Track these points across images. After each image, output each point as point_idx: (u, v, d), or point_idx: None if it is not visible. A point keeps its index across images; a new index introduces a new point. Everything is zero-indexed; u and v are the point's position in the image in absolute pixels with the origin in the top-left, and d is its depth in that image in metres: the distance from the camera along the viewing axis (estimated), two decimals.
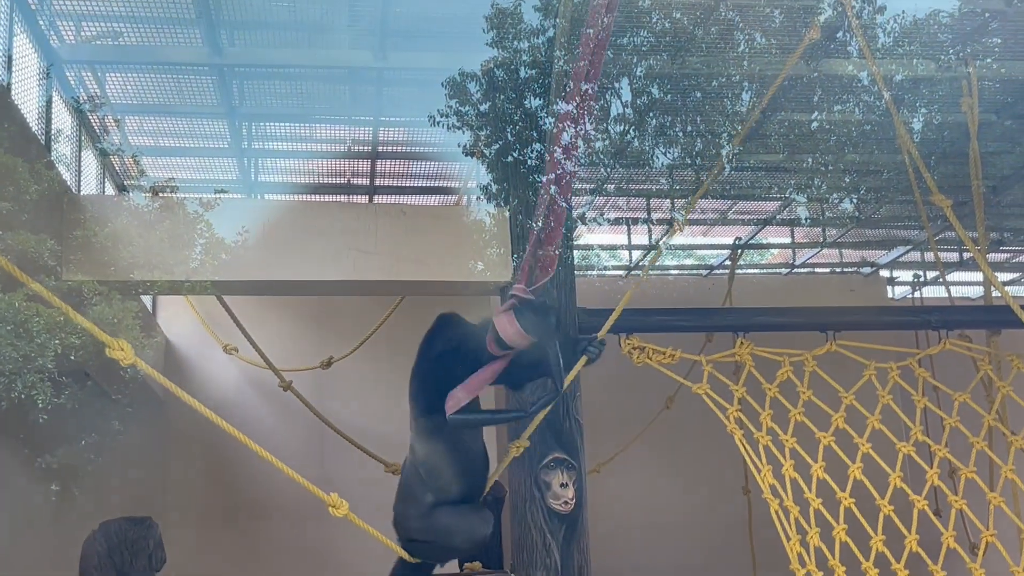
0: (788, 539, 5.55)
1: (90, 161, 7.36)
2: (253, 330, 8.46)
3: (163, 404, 9.21)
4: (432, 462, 5.02)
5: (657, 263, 11.43)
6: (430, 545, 5.10)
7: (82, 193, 6.79)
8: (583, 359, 5.44)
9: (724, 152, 7.08)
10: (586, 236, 10.67)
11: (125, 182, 7.95)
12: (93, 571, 5.46)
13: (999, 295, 6.14)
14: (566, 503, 5.78)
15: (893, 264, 11.18)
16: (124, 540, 5.50)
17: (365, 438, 8.67)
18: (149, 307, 9.15)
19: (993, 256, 10.59)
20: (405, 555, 5.08)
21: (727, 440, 5.94)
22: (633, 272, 10.87)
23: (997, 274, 9.91)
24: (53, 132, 6.45)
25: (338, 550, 8.97)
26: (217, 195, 8.32)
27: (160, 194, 7.43)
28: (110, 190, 7.78)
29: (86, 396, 8.56)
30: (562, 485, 5.77)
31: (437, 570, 5.51)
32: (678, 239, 10.47)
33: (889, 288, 11.68)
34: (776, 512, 5.64)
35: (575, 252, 7.41)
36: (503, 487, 6.68)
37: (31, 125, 5.92)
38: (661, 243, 8.03)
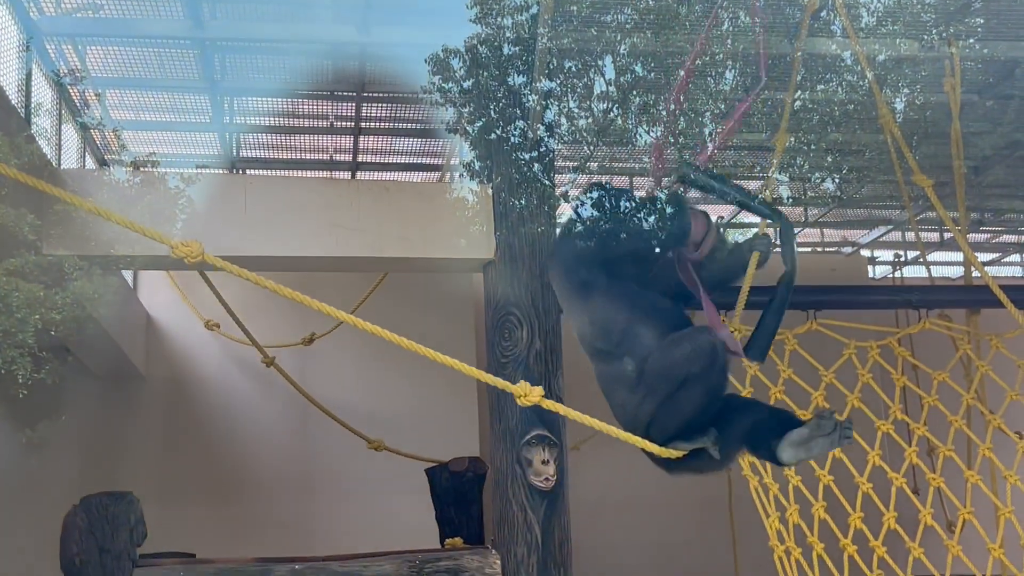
0: (767, 516, 5.59)
1: (71, 135, 7.31)
2: (235, 306, 8.44)
3: (144, 379, 9.18)
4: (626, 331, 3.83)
5: None
6: (665, 394, 3.71)
7: (63, 167, 6.75)
8: (755, 257, 4.47)
9: (708, 132, 7.08)
10: (569, 214, 10.67)
11: (106, 156, 7.90)
12: (74, 546, 5.45)
13: (979, 275, 6.18)
14: (547, 480, 5.80)
15: (874, 244, 11.22)
16: (105, 515, 5.49)
17: (347, 414, 8.68)
18: (130, 282, 9.11)
19: (973, 236, 10.65)
20: (655, 448, 3.77)
21: None
22: None
23: (977, 254, 9.96)
24: (33, 105, 6.40)
25: (321, 523, 8.99)
26: (198, 170, 8.30)
27: (141, 168, 7.40)
28: (91, 164, 7.73)
29: (66, 371, 8.54)
30: (543, 462, 5.80)
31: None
32: None
33: (870, 268, 11.73)
34: (755, 489, 5.68)
35: (558, 231, 7.41)
36: (484, 463, 6.70)
37: (11, 98, 5.87)
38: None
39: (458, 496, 6.69)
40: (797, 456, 3.75)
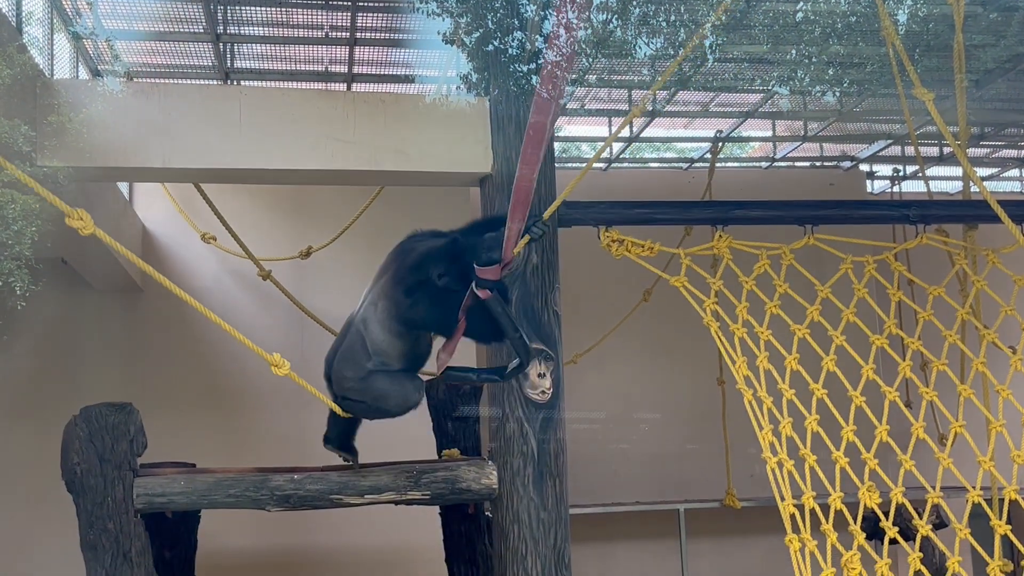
0: (761, 429, 5.64)
1: (63, 45, 7.22)
2: (231, 219, 8.42)
3: (141, 291, 9.20)
4: (386, 347, 5.19)
5: (636, 156, 11.40)
6: (364, 404, 5.31)
7: (55, 78, 6.68)
8: (525, 238, 5.26)
9: (708, 43, 7.00)
10: (567, 128, 10.61)
11: (99, 67, 7.81)
12: (74, 455, 5.52)
13: (977, 190, 6.16)
14: (543, 393, 5.85)
15: (873, 158, 11.18)
16: (105, 425, 5.54)
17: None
18: (125, 194, 9.08)
19: (973, 151, 10.61)
20: (337, 409, 5.39)
21: (703, 332, 6.00)
22: (613, 165, 10.84)
23: (976, 169, 9.93)
24: (24, 14, 6.30)
25: (319, 435, 9.05)
26: (192, 81, 8.21)
27: (135, 79, 7.32)
28: (84, 75, 7.65)
29: (64, 283, 8.57)
30: (540, 375, 5.84)
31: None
32: (659, 132, 10.42)
33: (868, 182, 11.70)
34: (750, 403, 5.73)
35: (555, 144, 7.36)
36: None
37: (1, 7, 5.78)
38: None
39: (455, 408, 6.75)
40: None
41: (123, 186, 8.96)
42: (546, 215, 5.52)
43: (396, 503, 5.93)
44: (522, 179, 4.71)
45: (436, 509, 6.84)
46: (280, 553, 9.09)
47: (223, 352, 9.25)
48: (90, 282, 8.84)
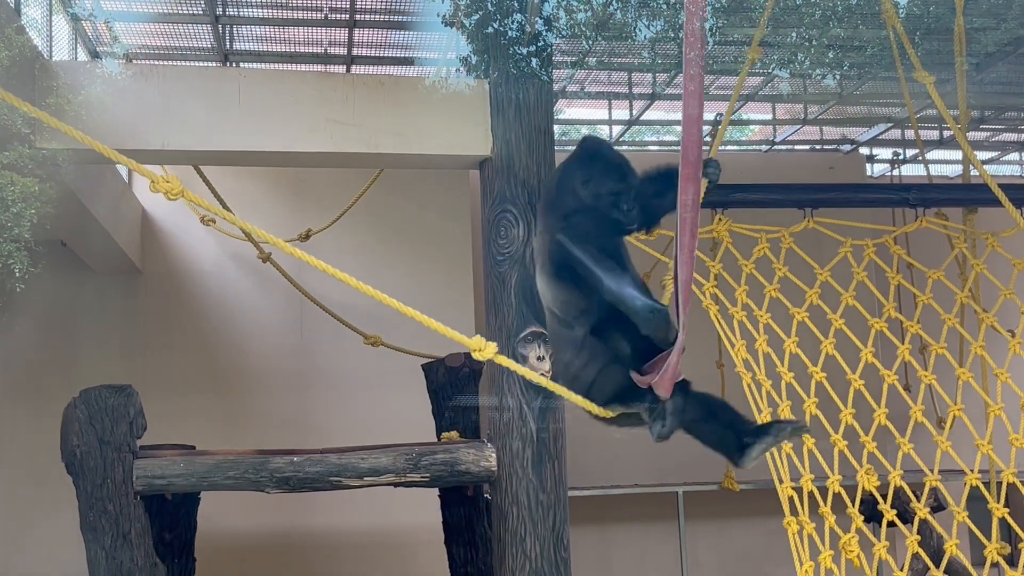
0: (759, 412, 5.65)
1: (62, 26, 7.19)
2: (231, 201, 8.41)
3: (140, 273, 9.20)
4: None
5: (636, 139, 11.38)
6: (606, 366, 4.04)
7: (54, 59, 6.66)
8: (705, 183, 4.45)
9: (708, 26, 6.98)
10: (567, 111, 10.59)
11: (98, 48, 7.79)
12: (74, 438, 5.52)
13: (977, 173, 6.15)
14: (543, 375, 5.85)
15: (873, 142, 11.16)
16: (105, 407, 5.55)
17: (344, 309, 8.71)
18: (125, 176, 9.06)
19: (973, 134, 10.59)
20: (594, 408, 4.11)
21: (702, 315, 6.00)
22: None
23: (977, 152, 9.91)
24: None
25: (318, 418, 9.10)
26: (191, 63, 8.19)
27: (134, 61, 7.30)
28: (83, 56, 7.63)
29: (63, 266, 8.57)
30: (539, 358, 5.84)
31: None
32: (658, 115, 10.40)
33: (868, 166, 11.68)
34: (748, 385, 5.74)
35: (556, 127, 7.35)
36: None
37: None
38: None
39: (454, 391, 6.76)
40: (758, 460, 4.18)
41: (122, 168, 8.95)
42: (712, 152, 5.18)
43: (395, 485, 5.94)
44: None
45: (435, 491, 6.86)
46: (279, 535, 9.12)
47: (223, 334, 9.26)
48: (89, 264, 8.84)
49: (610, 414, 4.10)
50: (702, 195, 4.05)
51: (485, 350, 3.99)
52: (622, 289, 3.80)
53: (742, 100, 9.60)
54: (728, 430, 4.27)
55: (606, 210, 4.02)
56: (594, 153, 4.20)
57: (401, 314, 4.03)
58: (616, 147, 10.61)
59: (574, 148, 4.26)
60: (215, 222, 8.92)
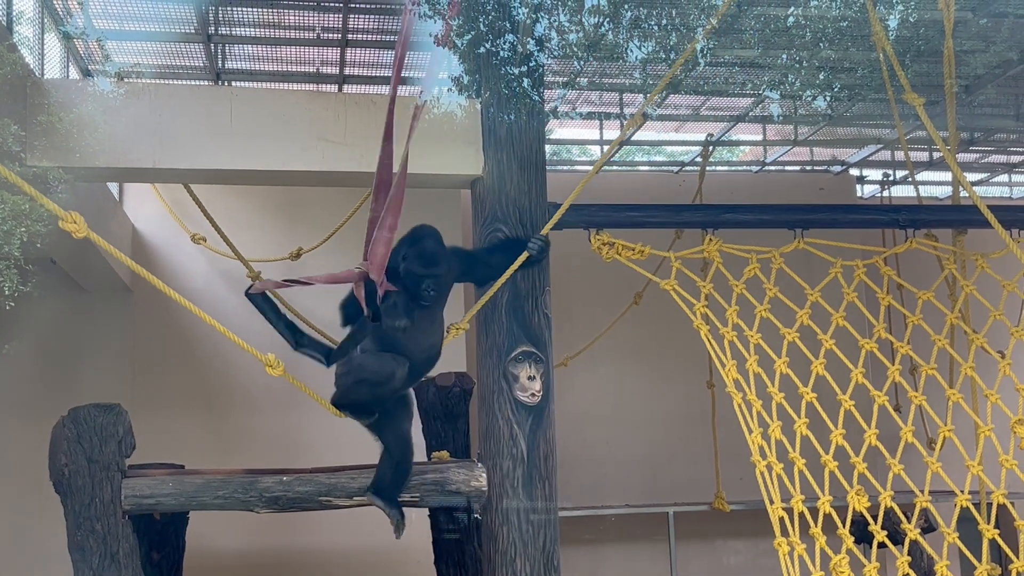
0: (750, 432, 5.65)
1: (54, 44, 7.20)
2: (221, 220, 8.40)
3: (130, 292, 9.18)
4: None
5: (627, 159, 11.41)
6: (347, 388, 5.33)
7: (46, 77, 6.66)
8: (523, 255, 5.58)
9: (699, 47, 7.00)
10: (558, 131, 10.62)
11: (89, 67, 7.80)
12: (62, 456, 5.49)
13: (967, 195, 6.17)
14: (533, 395, 5.85)
15: (863, 163, 11.21)
16: (93, 426, 5.52)
17: (333, 329, 8.67)
18: (115, 194, 9.06)
19: (963, 156, 10.64)
20: (333, 410, 5.44)
21: (693, 335, 6.00)
22: (604, 168, 10.83)
23: (966, 174, 9.96)
24: (15, 14, 6.28)
25: (308, 437, 9.07)
26: (183, 82, 8.20)
27: (125, 79, 7.30)
28: (74, 75, 7.63)
29: (53, 284, 8.54)
30: (530, 378, 5.84)
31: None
32: (649, 135, 10.43)
33: (858, 187, 11.73)
34: (739, 406, 5.73)
35: (547, 147, 7.36)
36: (471, 379, 6.75)
37: None
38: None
39: (445, 411, 6.74)
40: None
41: (113, 187, 8.94)
42: (544, 230, 5.64)
43: None
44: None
45: (425, 511, 6.83)
46: (269, 555, 9.08)
47: (212, 353, 9.24)
48: (80, 283, 8.82)
49: (340, 414, 5.51)
50: (517, 265, 5.57)
51: (276, 368, 5.30)
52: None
53: (732, 121, 9.64)
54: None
55: (413, 285, 5.14)
56: (415, 240, 5.33)
57: None
58: (607, 167, 10.65)
59: (411, 229, 5.44)
60: (205, 240, 8.90)
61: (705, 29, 6.11)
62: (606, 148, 10.20)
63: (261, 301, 5.34)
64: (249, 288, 5.26)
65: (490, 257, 5.73)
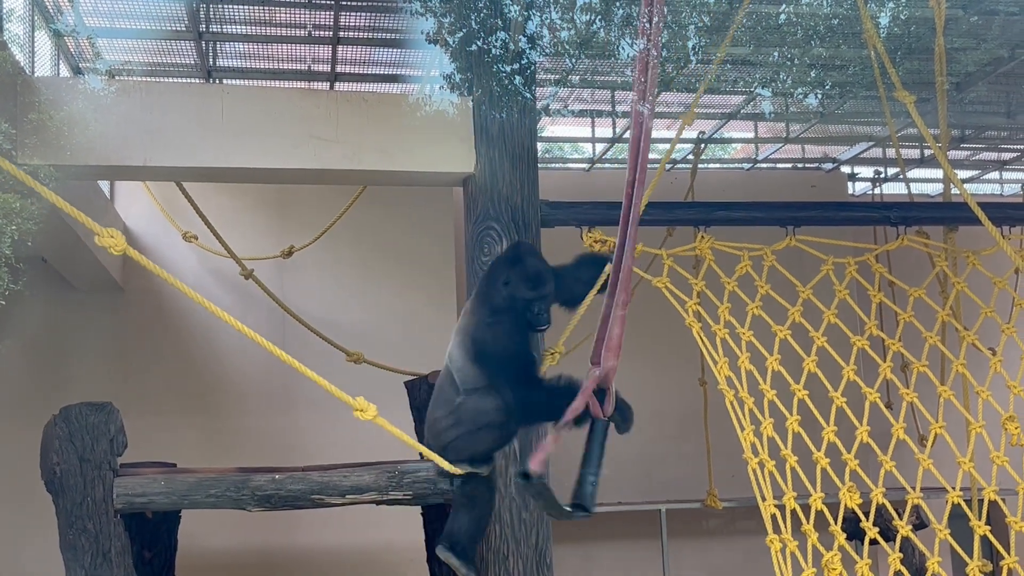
0: (742, 429, 5.65)
1: (44, 42, 7.18)
2: (213, 218, 8.39)
3: (121, 290, 9.16)
4: (473, 374, 4.67)
5: (619, 157, 11.40)
6: (462, 439, 4.70)
7: (36, 75, 6.64)
8: (607, 267, 5.09)
9: (691, 44, 7.01)
10: (550, 128, 10.61)
11: (80, 65, 7.77)
12: (54, 455, 5.49)
13: (958, 192, 6.18)
14: None
15: (854, 160, 11.23)
16: (85, 425, 5.52)
17: (326, 327, 8.69)
18: (107, 192, 9.03)
19: (953, 153, 10.65)
20: (444, 463, 4.70)
21: (685, 333, 6.01)
22: (596, 165, 10.85)
23: (957, 171, 9.98)
24: (5, 11, 6.26)
25: (300, 435, 9.06)
26: (174, 79, 8.18)
27: (116, 77, 7.28)
28: (65, 72, 7.61)
29: (44, 282, 8.52)
30: None
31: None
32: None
33: (850, 184, 11.74)
34: (731, 403, 5.74)
35: (539, 144, 7.36)
36: None
37: None
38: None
39: None
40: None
41: (104, 185, 8.92)
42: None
43: (378, 503, 5.92)
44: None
45: (418, 509, 6.83)
46: (261, 553, 9.07)
47: (204, 352, 9.22)
48: (71, 281, 8.80)
49: (458, 471, 4.74)
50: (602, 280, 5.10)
51: (367, 411, 4.54)
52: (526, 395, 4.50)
53: (724, 119, 9.64)
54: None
55: (521, 311, 4.56)
56: (516, 260, 4.71)
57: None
58: (599, 164, 10.65)
59: (506, 249, 5.03)
60: (197, 238, 8.89)
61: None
62: (598, 146, 10.22)
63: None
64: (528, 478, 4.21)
65: (578, 272, 5.31)
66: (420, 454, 6.58)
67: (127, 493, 5.56)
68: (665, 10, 3.31)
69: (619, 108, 9.36)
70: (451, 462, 4.71)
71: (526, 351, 4.62)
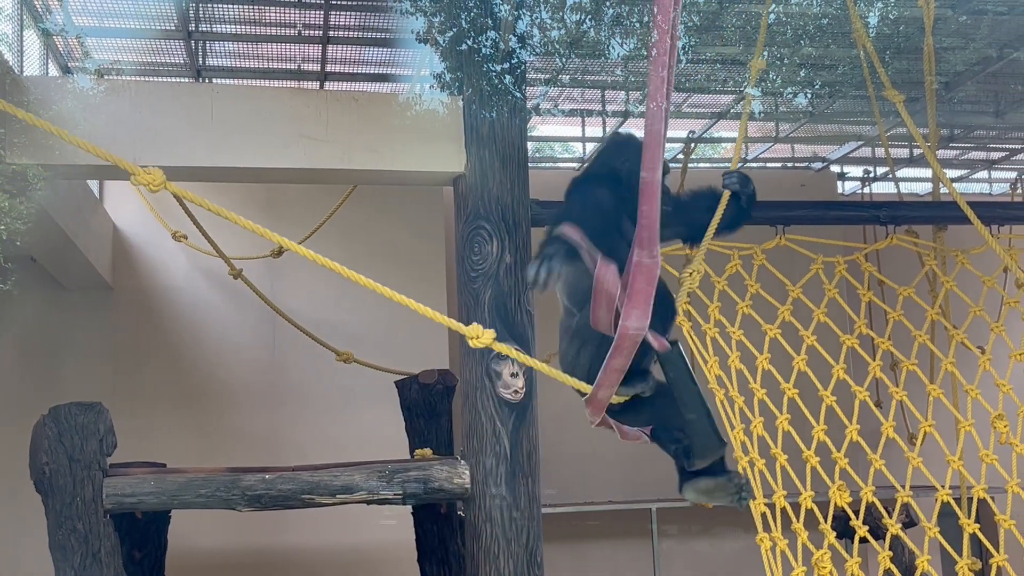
0: (732, 428, 5.66)
1: (33, 41, 7.15)
2: (202, 217, 8.37)
3: (111, 289, 9.14)
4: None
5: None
6: (598, 349, 3.94)
7: (25, 75, 6.62)
8: (726, 195, 4.72)
9: (681, 44, 7.01)
10: (540, 128, 10.62)
11: (69, 64, 7.75)
12: (43, 455, 5.47)
13: (947, 191, 6.21)
14: (516, 392, 5.85)
15: (844, 159, 11.25)
16: (74, 425, 5.50)
17: (315, 326, 8.68)
18: (96, 192, 9.01)
19: (943, 153, 10.69)
20: (582, 386, 4.05)
21: (675, 331, 6.01)
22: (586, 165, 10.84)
23: (946, 170, 10.01)
24: None
25: (291, 435, 9.05)
26: (164, 79, 8.16)
27: (106, 77, 7.26)
28: (54, 72, 7.58)
29: (33, 281, 8.50)
30: (512, 375, 5.83)
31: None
32: (631, 132, 10.43)
33: (839, 183, 11.77)
34: (721, 402, 5.75)
35: (529, 144, 7.36)
36: (453, 376, 6.75)
37: None
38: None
39: (427, 408, 6.74)
40: (696, 499, 4.28)
41: (93, 184, 8.89)
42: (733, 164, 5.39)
43: (368, 503, 5.91)
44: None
45: (408, 508, 6.83)
46: (251, 553, 9.06)
47: (194, 351, 9.21)
48: (60, 280, 8.77)
49: (620, 399, 4.05)
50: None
51: (483, 336, 4.07)
52: None
53: (714, 118, 9.65)
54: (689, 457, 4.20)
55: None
56: (628, 141, 4.27)
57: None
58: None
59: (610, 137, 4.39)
60: (187, 238, 8.87)
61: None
62: (588, 145, 10.22)
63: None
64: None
65: (697, 200, 4.85)
66: (411, 452, 6.61)
67: (117, 493, 5.54)
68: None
69: (609, 108, 9.36)
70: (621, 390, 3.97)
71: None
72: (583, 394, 4.00)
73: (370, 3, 7.19)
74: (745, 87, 6.34)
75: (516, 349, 4.14)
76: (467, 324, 5.97)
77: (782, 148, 10.97)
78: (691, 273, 5.50)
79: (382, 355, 8.49)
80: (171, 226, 8.92)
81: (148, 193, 8.92)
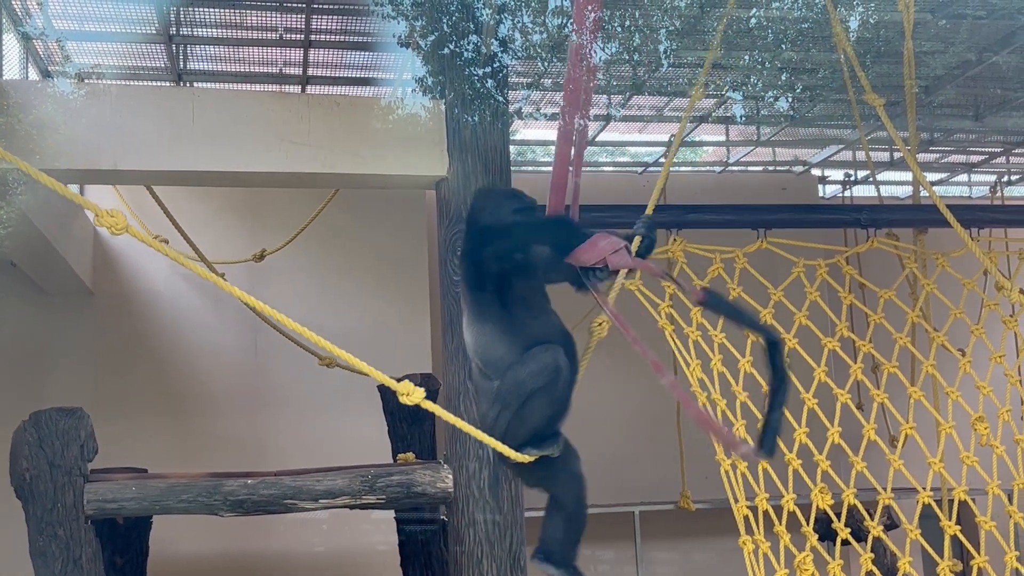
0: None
1: (12, 45, 7.12)
2: (184, 222, 8.35)
3: (91, 294, 9.10)
4: (492, 345, 4.14)
5: (590, 160, 11.43)
6: (512, 411, 4.06)
7: (4, 79, 6.59)
8: (637, 241, 4.39)
9: (662, 48, 7.04)
10: (522, 131, 10.62)
11: (49, 68, 7.72)
12: (23, 461, 5.44)
13: (927, 195, 6.24)
14: None
15: (825, 163, 11.29)
16: (55, 430, 5.47)
17: (320, 332, 8.64)
18: None
19: (923, 156, 10.74)
20: (510, 452, 4.08)
21: (658, 335, 6.03)
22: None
23: (926, 174, 10.06)
24: None
25: (273, 440, 9.02)
26: (145, 83, 8.13)
27: (86, 81, 7.23)
28: (34, 76, 7.55)
29: (13, 286, 8.46)
30: None
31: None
32: (613, 136, 10.46)
33: (820, 187, 11.81)
34: (704, 405, 5.76)
35: (511, 148, 7.36)
36: (437, 380, 6.74)
37: None
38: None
39: (410, 412, 6.73)
40: None
41: (74, 188, 8.85)
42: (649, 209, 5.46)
43: (351, 507, 5.90)
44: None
45: (391, 513, 6.82)
46: (233, 559, 9.02)
47: (176, 356, 9.17)
48: (41, 285, 8.73)
49: (527, 458, 4.13)
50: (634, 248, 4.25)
51: (413, 395, 4.10)
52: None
53: (695, 122, 9.68)
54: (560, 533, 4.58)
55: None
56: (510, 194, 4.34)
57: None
58: (570, 168, 10.62)
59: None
60: (168, 242, 8.82)
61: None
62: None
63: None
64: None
65: None
66: (394, 456, 6.60)
67: (98, 499, 5.51)
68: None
69: (591, 111, 9.35)
70: (516, 450, 4.08)
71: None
72: (503, 458, 4.09)
73: (352, 7, 7.18)
74: (700, 79, 6.26)
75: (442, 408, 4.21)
76: (451, 329, 6.00)
77: (763, 152, 11.00)
78: (600, 324, 5.53)
79: (365, 359, 8.43)
80: (152, 230, 8.87)
81: (128, 196, 8.92)
